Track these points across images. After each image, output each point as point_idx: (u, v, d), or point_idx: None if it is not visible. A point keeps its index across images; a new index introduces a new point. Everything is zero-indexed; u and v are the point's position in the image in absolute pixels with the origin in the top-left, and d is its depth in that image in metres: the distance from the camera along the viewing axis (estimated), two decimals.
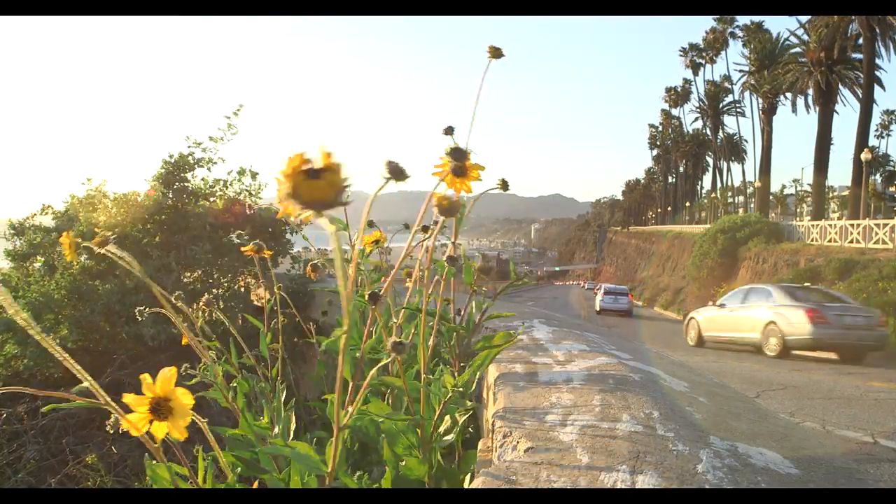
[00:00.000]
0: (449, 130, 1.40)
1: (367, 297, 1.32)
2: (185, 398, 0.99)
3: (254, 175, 9.03)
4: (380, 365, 1.08)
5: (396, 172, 0.83)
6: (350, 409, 1.05)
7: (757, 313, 11.91)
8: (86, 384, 1.04)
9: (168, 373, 0.98)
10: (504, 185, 1.42)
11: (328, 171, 0.60)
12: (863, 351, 11.45)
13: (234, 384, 1.67)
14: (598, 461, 1.06)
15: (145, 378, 0.98)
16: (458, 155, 1.20)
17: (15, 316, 0.92)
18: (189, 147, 8.64)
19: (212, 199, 8.74)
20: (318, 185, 0.60)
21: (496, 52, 1.43)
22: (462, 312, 1.79)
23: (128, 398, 0.98)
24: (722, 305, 13.30)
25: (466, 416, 1.44)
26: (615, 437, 1.19)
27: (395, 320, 1.53)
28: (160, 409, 0.98)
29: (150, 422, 0.99)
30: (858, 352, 11.39)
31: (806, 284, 14.91)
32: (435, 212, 1.13)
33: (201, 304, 1.66)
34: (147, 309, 1.55)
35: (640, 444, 1.15)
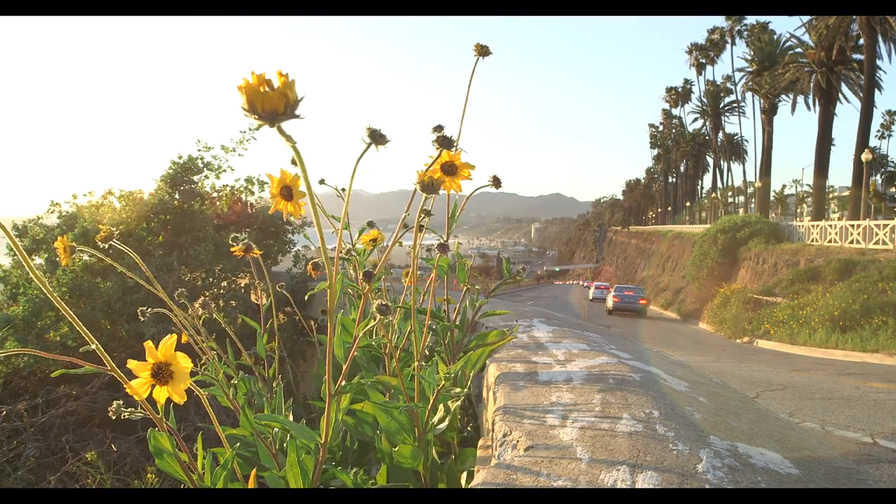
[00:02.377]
0: (438, 128, 1.40)
1: (361, 275, 1.32)
2: (184, 362, 1.02)
3: (262, 185, 9.05)
4: (367, 328, 1.10)
5: (376, 136, 0.87)
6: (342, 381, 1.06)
7: (609, 296, 28.28)
8: (92, 346, 1.06)
9: (169, 339, 1.01)
10: (496, 182, 1.42)
11: (281, 87, 0.65)
12: (636, 314, 26.12)
13: (234, 382, 1.68)
14: (598, 460, 1.06)
15: (148, 344, 1.01)
16: (445, 142, 1.21)
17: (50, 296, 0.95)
18: (199, 150, 8.66)
19: (217, 203, 8.78)
20: (270, 96, 0.65)
21: (483, 50, 1.44)
22: (456, 310, 1.79)
23: (131, 363, 1.01)
24: (609, 292, 29.38)
25: (458, 403, 1.44)
26: (615, 436, 1.19)
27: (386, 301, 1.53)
28: (161, 373, 1.01)
29: (152, 387, 1.02)
30: (635, 314, 26.09)
31: (627, 284, 33.74)
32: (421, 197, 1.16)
33: (197, 305, 1.66)
34: (150, 309, 1.56)
35: (640, 443, 1.15)
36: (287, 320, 7.27)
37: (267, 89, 0.65)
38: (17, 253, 0.92)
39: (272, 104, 0.64)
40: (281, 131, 0.68)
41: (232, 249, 1.75)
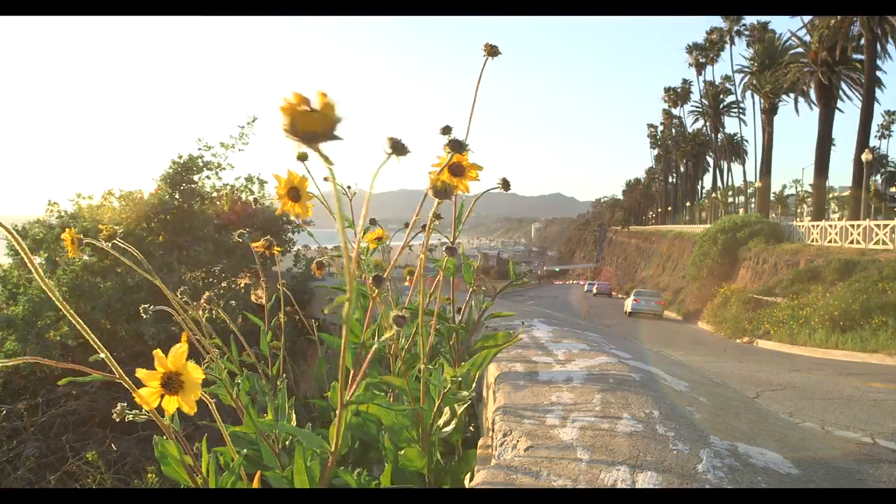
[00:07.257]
0: (447, 130, 1.41)
1: (370, 280, 1.32)
2: (195, 373, 0.99)
3: (262, 183, 9.06)
4: (384, 339, 1.09)
5: (397, 147, 0.86)
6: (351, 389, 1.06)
7: (594, 287, 48.11)
8: (101, 355, 1.04)
9: (180, 348, 0.98)
10: (505, 184, 1.42)
11: (322, 107, 0.65)
12: (607, 295, 45.87)
13: (238, 381, 1.68)
14: (598, 460, 1.06)
15: (157, 353, 0.98)
16: (457, 146, 1.20)
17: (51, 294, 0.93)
18: (199, 149, 8.66)
19: (218, 203, 8.78)
20: (312, 117, 0.64)
21: (492, 51, 1.44)
22: (462, 311, 1.79)
23: (140, 373, 0.98)
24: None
25: (465, 406, 1.44)
26: (615, 436, 1.19)
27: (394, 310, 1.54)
28: (171, 383, 0.98)
29: (161, 397, 0.99)
30: (606, 295, 46.11)
31: (605, 282, 54.69)
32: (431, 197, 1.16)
33: (202, 301, 1.66)
34: (151, 307, 1.56)
35: (640, 443, 1.15)
36: (287, 320, 7.26)
37: (307, 109, 0.64)
38: (23, 255, 0.91)
39: (314, 125, 0.64)
40: (320, 153, 0.67)
41: (252, 245, 1.76)
